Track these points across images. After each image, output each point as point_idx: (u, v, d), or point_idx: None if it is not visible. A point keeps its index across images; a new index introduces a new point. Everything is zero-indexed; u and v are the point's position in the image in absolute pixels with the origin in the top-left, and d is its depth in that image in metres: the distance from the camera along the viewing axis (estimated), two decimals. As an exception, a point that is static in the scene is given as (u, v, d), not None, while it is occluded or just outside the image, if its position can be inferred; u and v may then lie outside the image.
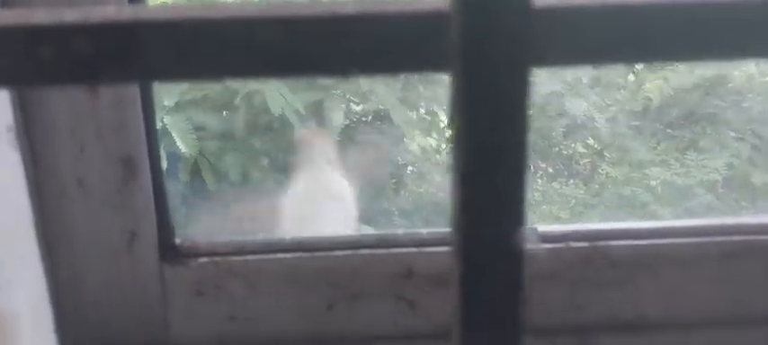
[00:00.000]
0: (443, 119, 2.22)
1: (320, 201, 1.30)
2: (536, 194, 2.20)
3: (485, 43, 0.20)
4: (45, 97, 0.44)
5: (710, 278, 0.52)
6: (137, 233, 0.48)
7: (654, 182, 2.13)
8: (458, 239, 0.22)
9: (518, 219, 0.22)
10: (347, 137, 2.02)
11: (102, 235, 0.48)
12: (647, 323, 0.53)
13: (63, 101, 0.45)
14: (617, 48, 0.21)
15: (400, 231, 0.51)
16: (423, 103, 2.21)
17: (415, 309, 0.51)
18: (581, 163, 2.28)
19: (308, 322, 0.51)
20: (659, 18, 0.21)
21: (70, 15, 0.21)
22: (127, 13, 0.21)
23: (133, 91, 0.45)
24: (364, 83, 2.14)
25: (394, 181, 2.10)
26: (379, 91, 2.13)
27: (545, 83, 2.17)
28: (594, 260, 0.51)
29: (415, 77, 2.22)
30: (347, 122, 2.06)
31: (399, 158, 2.12)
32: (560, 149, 2.24)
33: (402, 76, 2.18)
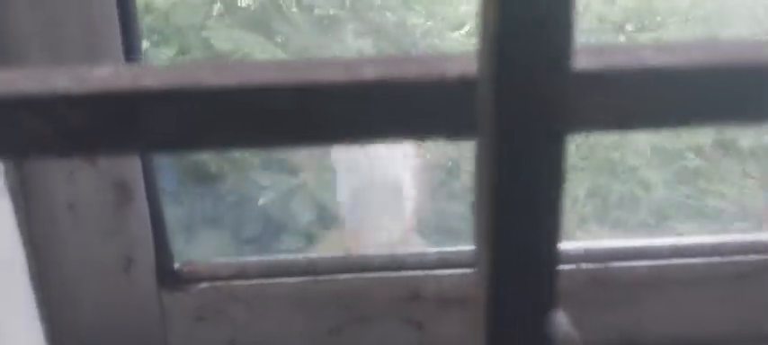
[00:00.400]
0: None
1: (384, 193, 1.20)
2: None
3: (520, 109, 0.18)
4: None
5: (723, 298, 0.51)
6: (133, 259, 0.47)
7: (643, 146, 2.13)
8: (488, 316, 0.20)
9: (549, 298, 0.21)
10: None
11: (97, 263, 0.46)
12: (659, 344, 0.51)
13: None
14: (659, 113, 0.19)
15: (407, 252, 0.49)
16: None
17: (424, 331, 0.50)
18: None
19: (313, 345, 0.50)
20: (704, 81, 0.19)
21: (62, 82, 0.19)
22: (126, 79, 0.19)
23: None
24: (352, 44, 2.11)
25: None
26: (367, 52, 2.11)
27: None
28: (606, 282, 0.50)
29: (403, 39, 2.21)
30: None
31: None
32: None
33: (391, 36, 2.17)
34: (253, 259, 0.49)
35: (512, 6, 0.17)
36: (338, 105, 0.19)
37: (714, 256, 0.51)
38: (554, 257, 0.20)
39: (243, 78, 0.19)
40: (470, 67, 0.19)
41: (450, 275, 0.49)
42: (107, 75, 0.19)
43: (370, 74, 0.19)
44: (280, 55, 1.87)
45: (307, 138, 0.19)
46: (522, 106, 0.18)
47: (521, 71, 0.17)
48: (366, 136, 0.20)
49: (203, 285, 0.48)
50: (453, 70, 0.19)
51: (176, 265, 0.48)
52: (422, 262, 0.49)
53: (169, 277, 0.48)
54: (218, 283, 0.48)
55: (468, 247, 0.50)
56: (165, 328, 0.49)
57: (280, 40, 1.99)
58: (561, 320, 0.20)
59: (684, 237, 0.52)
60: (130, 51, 0.40)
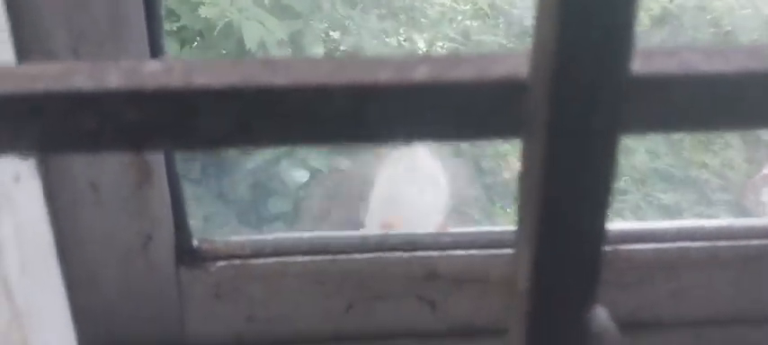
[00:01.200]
0: (422, 46, 2.21)
1: (414, 186, 1.22)
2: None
3: (575, 113, 0.18)
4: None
5: (729, 281, 0.51)
6: (152, 236, 0.47)
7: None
8: (529, 312, 0.20)
9: (590, 298, 0.21)
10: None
11: (118, 240, 0.47)
12: (666, 324, 0.52)
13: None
14: (709, 117, 0.20)
15: (423, 232, 0.50)
16: (402, 31, 2.19)
17: (437, 309, 0.51)
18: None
19: (329, 322, 0.50)
20: (752, 86, 0.19)
21: (115, 79, 0.19)
22: (178, 74, 0.19)
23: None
24: (342, 10, 2.11)
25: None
26: (356, 18, 2.10)
27: (526, 12, 2.16)
28: (616, 263, 0.50)
29: (394, 4, 2.21)
30: (325, 51, 2.03)
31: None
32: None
33: (382, 4, 2.17)
34: (270, 237, 0.50)
35: (572, 11, 0.17)
36: (389, 105, 0.19)
37: (719, 240, 0.51)
38: (599, 258, 0.20)
39: (295, 77, 0.19)
40: (520, 68, 0.19)
41: (464, 255, 0.49)
42: (158, 70, 0.19)
43: (421, 74, 0.19)
44: (268, 19, 1.85)
45: (357, 137, 0.20)
46: (578, 109, 0.18)
47: (579, 76, 0.17)
48: (415, 135, 0.20)
49: (221, 263, 0.48)
50: (503, 70, 0.19)
51: (195, 243, 0.48)
52: (437, 243, 0.49)
53: (187, 254, 0.48)
54: (236, 261, 0.49)
55: (482, 228, 0.50)
56: (182, 305, 0.49)
57: (267, 3, 1.96)
58: (601, 315, 0.21)
59: (691, 220, 0.53)
60: (153, 33, 0.40)
